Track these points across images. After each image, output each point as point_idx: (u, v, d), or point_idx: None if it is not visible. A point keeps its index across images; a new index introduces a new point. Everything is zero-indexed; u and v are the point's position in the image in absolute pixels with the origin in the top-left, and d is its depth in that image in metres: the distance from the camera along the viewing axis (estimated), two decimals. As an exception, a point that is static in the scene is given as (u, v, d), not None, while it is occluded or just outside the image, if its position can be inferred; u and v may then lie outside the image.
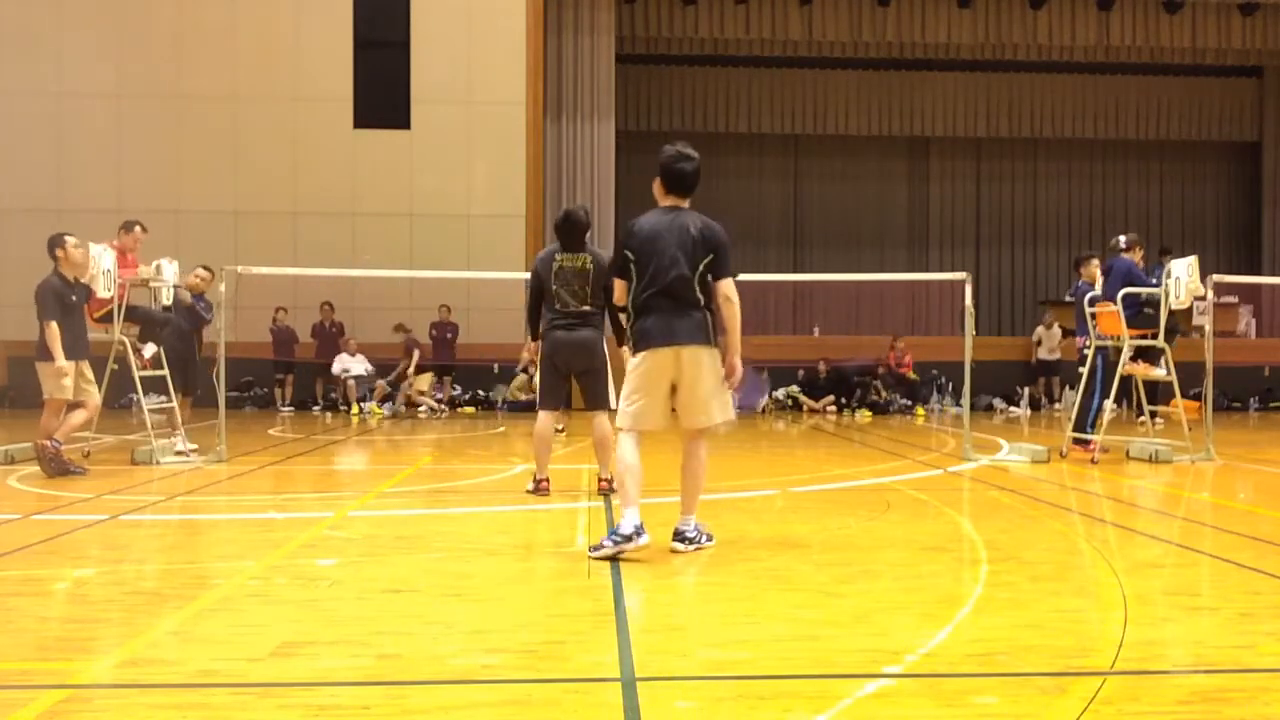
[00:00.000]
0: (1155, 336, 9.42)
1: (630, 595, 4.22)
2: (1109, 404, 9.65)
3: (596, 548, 4.91)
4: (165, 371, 9.46)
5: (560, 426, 10.48)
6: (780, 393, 17.84)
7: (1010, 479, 8.28)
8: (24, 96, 17.74)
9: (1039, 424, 15.43)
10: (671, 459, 5.54)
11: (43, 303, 8.21)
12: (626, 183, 20.39)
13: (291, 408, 17.07)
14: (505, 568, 4.87)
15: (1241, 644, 3.55)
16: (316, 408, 17.26)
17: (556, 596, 4.27)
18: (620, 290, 5.21)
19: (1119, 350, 9.45)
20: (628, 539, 4.83)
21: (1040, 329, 19.08)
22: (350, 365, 16.84)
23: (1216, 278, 10.43)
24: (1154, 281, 9.55)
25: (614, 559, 4.83)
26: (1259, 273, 22.46)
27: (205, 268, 10.54)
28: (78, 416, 8.40)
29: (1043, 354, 18.87)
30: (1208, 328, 10.39)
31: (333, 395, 17.15)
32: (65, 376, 8.17)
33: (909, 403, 17.66)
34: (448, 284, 16.60)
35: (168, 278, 9.50)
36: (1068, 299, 13.74)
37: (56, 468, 7.99)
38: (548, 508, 6.65)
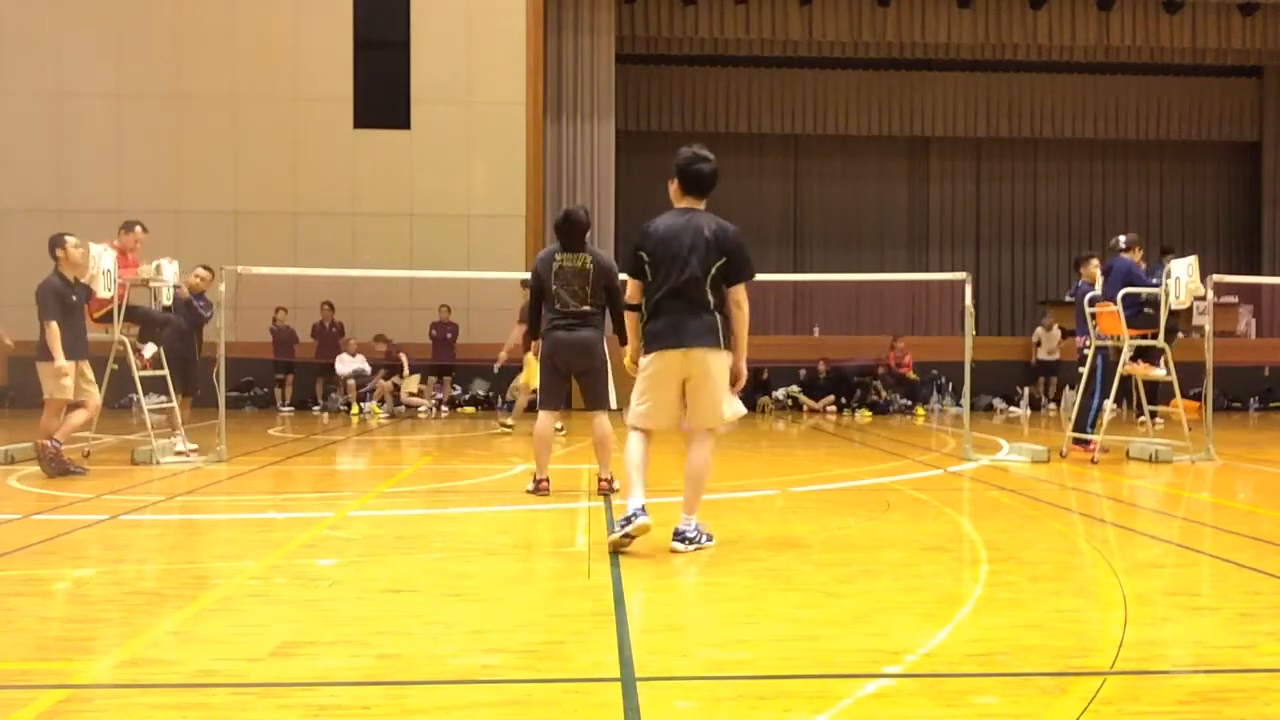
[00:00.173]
0: (1155, 336, 9.42)
1: (630, 595, 4.21)
2: (1109, 404, 9.65)
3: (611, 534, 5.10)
4: (165, 371, 9.47)
5: (560, 426, 10.49)
6: (780, 393, 17.84)
7: (1010, 479, 8.28)
8: (24, 96, 17.72)
9: (1039, 424, 15.43)
10: (674, 459, 5.55)
11: (43, 303, 8.22)
12: (626, 183, 20.36)
13: (291, 408, 17.06)
14: (505, 568, 4.88)
15: (1241, 644, 3.55)
16: (316, 408, 17.26)
17: (556, 596, 4.27)
18: (634, 289, 5.24)
19: (1119, 350, 9.45)
20: (629, 520, 4.96)
21: (1040, 329, 19.08)
22: (357, 367, 16.83)
23: (1216, 278, 10.43)
24: (1154, 281, 9.55)
25: (620, 548, 4.96)
26: (1259, 273, 22.43)
27: (205, 267, 10.54)
28: (78, 416, 8.40)
29: (1042, 354, 18.88)
30: (1208, 328, 10.39)
31: (333, 395, 17.15)
32: (65, 376, 8.17)
33: (909, 403, 17.64)
34: (447, 284, 16.60)
35: (168, 278, 9.50)
36: (1068, 299, 13.74)
37: (56, 468, 7.99)
38: (548, 508, 6.65)
